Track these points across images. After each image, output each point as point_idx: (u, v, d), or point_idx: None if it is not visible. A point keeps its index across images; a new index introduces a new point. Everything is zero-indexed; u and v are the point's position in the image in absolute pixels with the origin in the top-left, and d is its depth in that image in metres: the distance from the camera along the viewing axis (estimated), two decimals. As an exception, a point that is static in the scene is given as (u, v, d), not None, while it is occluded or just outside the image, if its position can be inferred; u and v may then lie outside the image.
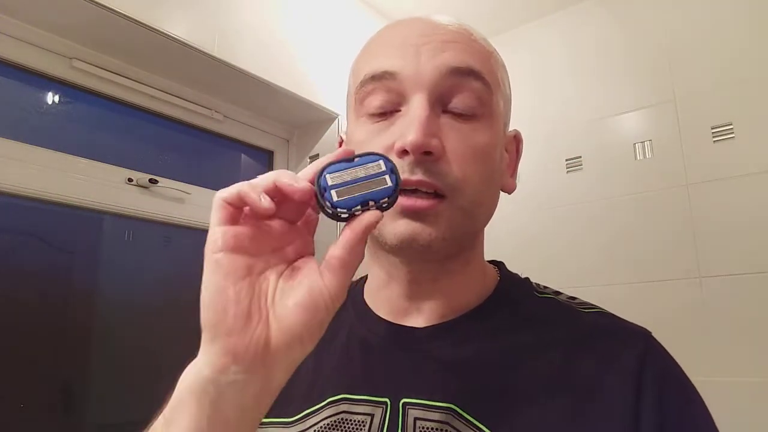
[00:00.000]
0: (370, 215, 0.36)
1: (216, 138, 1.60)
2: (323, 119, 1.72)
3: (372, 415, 0.46)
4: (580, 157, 1.76)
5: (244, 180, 0.35)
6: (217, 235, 0.35)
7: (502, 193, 0.53)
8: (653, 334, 0.49)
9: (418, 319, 0.51)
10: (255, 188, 0.35)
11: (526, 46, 1.95)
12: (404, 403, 0.45)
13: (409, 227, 0.45)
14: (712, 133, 1.52)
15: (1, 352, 1.10)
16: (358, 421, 0.46)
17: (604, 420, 0.42)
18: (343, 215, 0.36)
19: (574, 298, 0.54)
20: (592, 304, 0.53)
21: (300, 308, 0.35)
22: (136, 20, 1.17)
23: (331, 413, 0.47)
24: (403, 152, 0.45)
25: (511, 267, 0.57)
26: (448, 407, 0.44)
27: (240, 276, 0.34)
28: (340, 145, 0.57)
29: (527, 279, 0.56)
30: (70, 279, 1.28)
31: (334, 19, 1.72)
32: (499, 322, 0.50)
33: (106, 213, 1.30)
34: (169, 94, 1.43)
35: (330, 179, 0.36)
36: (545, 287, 0.56)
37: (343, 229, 0.36)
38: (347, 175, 0.36)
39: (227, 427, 0.34)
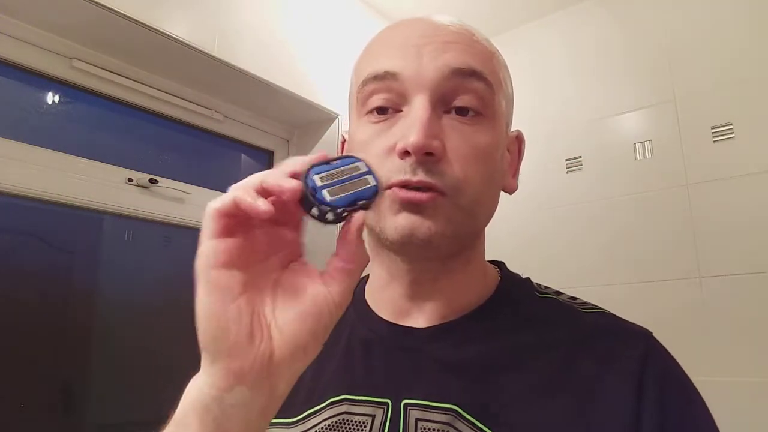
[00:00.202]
0: (359, 216, 0.35)
1: (216, 138, 1.60)
2: (323, 119, 1.72)
3: (373, 416, 0.46)
4: (580, 157, 1.76)
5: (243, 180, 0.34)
6: (211, 250, 0.33)
7: (502, 193, 0.53)
8: (653, 335, 0.49)
9: (420, 319, 0.51)
10: (248, 192, 0.33)
11: (526, 46, 1.95)
12: (405, 404, 0.45)
13: (409, 220, 0.45)
14: (712, 133, 1.52)
15: (1, 352, 1.10)
16: (359, 422, 0.46)
17: (606, 420, 0.42)
18: (329, 217, 0.35)
19: (574, 299, 0.54)
20: (593, 305, 0.53)
21: (303, 317, 0.34)
22: (136, 20, 1.17)
23: (332, 414, 0.47)
24: (405, 153, 0.45)
25: (511, 267, 0.57)
26: (450, 408, 0.44)
27: (238, 293, 0.33)
28: (343, 145, 0.57)
29: (528, 279, 0.56)
30: (70, 279, 1.28)
31: (334, 19, 1.72)
32: (500, 322, 0.50)
33: (106, 213, 1.30)
34: (169, 94, 1.43)
35: (318, 180, 0.35)
36: (546, 287, 0.56)
37: (339, 236, 0.36)
38: (332, 175, 0.35)
39: None
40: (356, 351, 0.51)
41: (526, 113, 1.69)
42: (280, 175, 0.34)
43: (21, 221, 1.20)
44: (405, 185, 0.44)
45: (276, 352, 0.33)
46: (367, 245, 0.38)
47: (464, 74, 0.47)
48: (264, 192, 0.33)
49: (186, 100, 1.47)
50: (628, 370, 0.45)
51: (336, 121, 1.71)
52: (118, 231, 1.36)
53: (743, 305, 1.40)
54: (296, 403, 0.49)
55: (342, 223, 0.36)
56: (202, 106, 1.51)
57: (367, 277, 0.58)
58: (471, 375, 0.46)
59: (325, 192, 0.34)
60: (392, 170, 0.45)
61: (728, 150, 1.49)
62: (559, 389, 0.44)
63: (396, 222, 0.45)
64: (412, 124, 0.45)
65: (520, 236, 1.79)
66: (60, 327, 1.22)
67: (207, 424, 0.33)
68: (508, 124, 0.54)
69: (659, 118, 1.62)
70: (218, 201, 0.33)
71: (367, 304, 0.55)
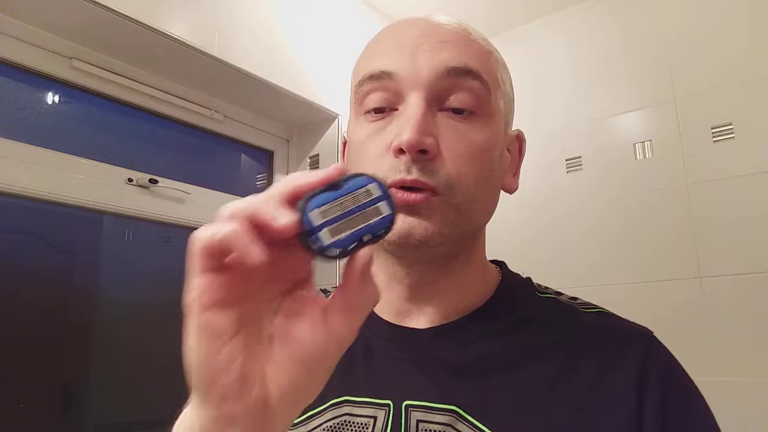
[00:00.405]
0: (366, 252, 0.31)
1: (216, 138, 1.60)
2: (323, 119, 1.72)
3: (375, 418, 0.46)
4: (580, 157, 1.76)
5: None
6: (201, 288, 0.29)
7: (502, 193, 0.53)
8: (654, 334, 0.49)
9: (421, 320, 0.51)
10: (241, 234, 0.28)
11: (525, 46, 1.95)
12: (407, 406, 0.45)
13: (405, 222, 0.45)
14: (712, 133, 1.52)
15: (1, 352, 1.10)
16: (361, 424, 0.46)
17: (607, 420, 0.42)
18: (332, 254, 0.30)
19: (575, 299, 0.54)
20: (594, 305, 0.53)
21: (302, 360, 0.31)
22: (136, 20, 1.17)
23: (334, 415, 0.47)
24: (399, 151, 0.45)
25: (511, 267, 0.57)
26: (451, 409, 0.44)
27: (231, 334, 0.29)
28: (344, 147, 0.57)
29: (529, 279, 0.56)
30: (70, 279, 1.28)
31: (334, 19, 1.72)
32: (500, 323, 0.50)
33: (106, 213, 1.30)
34: (169, 94, 1.43)
35: (317, 217, 0.29)
36: (546, 288, 0.56)
37: (344, 272, 0.32)
38: (336, 206, 0.30)
39: None
40: (357, 352, 0.51)
41: (526, 113, 1.69)
42: (275, 206, 0.29)
43: (21, 221, 1.19)
44: (401, 185, 0.44)
45: (271, 399, 0.30)
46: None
47: (460, 73, 0.47)
48: (257, 227, 0.29)
49: (186, 100, 1.47)
50: (630, 370, 0.45)
51: (336, 121, 1.71)
52: (118, 231, 1.36)
53: (743, 305, 1.40)
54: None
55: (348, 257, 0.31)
56: (202, 106, 1.51)
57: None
58: (472, 376, 0.46)
59: (325, 233, 0.30)
60: (388, 169, 0.45)
61: (728, 150, 1.49)
62: (561, 390, 0.44)
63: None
64: (406, 122, 0.45)
65: (520, 236, 1.79)
66: (60, 327, 1.22)
67: None
68: (508, 124, 0.54)
69: (659, 118, 1.62)
70: (207, 234, 0.28)
71: (368, 305, 0.54)
